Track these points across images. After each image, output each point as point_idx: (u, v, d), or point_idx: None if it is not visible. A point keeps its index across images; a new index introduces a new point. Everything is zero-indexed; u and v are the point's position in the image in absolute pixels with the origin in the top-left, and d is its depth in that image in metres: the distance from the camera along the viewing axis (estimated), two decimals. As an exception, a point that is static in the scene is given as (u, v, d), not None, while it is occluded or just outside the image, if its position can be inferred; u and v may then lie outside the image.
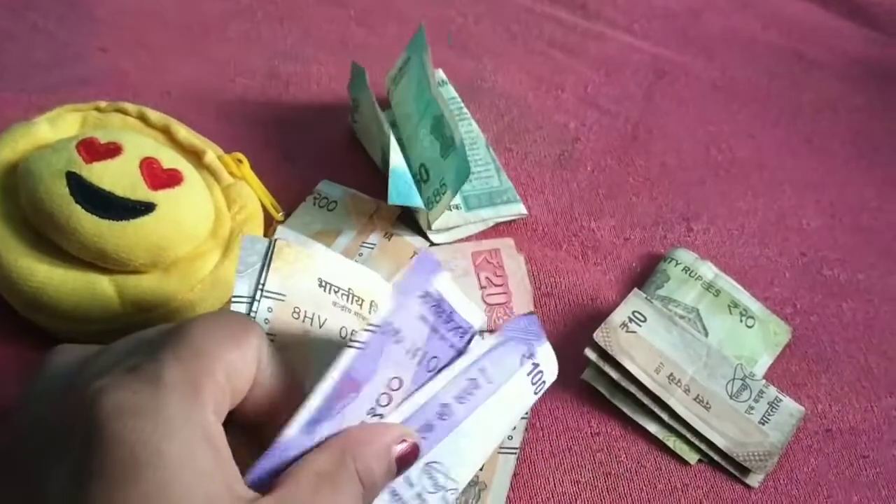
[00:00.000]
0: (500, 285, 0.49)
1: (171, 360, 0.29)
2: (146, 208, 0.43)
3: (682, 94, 0.64)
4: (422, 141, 0.51)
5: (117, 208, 0.42)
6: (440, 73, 0.60)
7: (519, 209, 0.54)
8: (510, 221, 0.54)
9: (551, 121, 0.60)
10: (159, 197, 0.43)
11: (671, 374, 0.46)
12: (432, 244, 0.52)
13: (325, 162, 0.55)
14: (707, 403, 0.45)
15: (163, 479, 0.27)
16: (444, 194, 0.50)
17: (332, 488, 0.30)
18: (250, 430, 0.32)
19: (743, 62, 0.67)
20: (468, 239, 0.52)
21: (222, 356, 0.30)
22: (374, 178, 0.54)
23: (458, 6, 0.68)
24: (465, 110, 0.58)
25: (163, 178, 0.44)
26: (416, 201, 0.50)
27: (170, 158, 0.45)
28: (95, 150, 0.44)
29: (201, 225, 0.45)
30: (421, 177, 0.51)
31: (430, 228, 0.51)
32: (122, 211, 0.43)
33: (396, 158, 0.50)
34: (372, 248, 0.50)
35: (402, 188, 0.49)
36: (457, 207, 0.53)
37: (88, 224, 0.42)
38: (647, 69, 0.65)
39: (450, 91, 0.59)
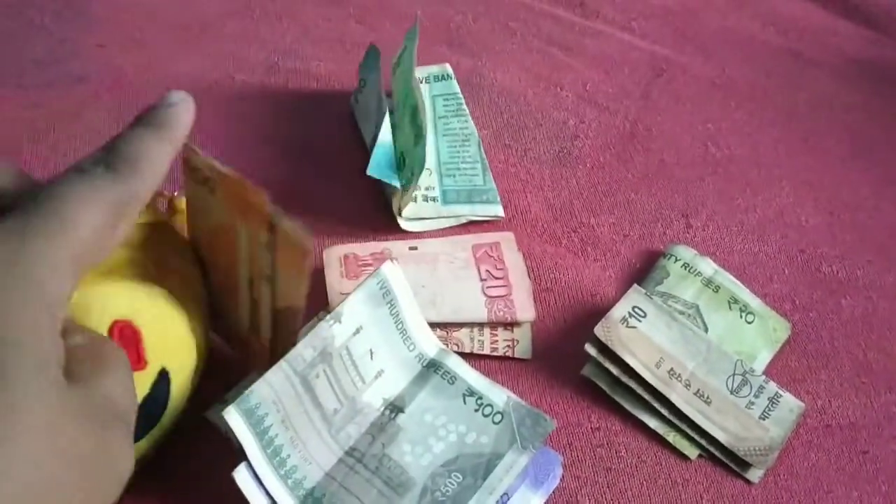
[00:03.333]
0: (501, 278, 0.49)
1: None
2: None
3: (681, 92, 0.64)
4: (403, 129, 0.52)
5: None
6: (447, 67, 0.60)
7: (496, 210, 0.54)
8: (499, 220, 0.54)
9: (550, 118, 0.60)
10: None
11: (671, 369, 0.45)
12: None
13: (324, 158, 0.55)
14: (707, 398, 0.45)
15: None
16: (412, 182, 0.50)
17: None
18: None
19: (740, 61, 0.68)
20: (466, 231, 0.53)
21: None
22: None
23: (457, 4, 0.68)
24: (465, 107, 0.58)
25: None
26: (392, 179, 0.50)
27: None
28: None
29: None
30: (399, 164, 0.51)
31: (399, 214, 0.52)
32: None
33: (386, 135, 0.51)
34: None
35: (383, 163, 0.50)
36: (433, 200, 0.53)
37: None
38: (646, 67, 0.65)
39: (453, 86, 0.59)
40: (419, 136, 0.50)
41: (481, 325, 0.48)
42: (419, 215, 0.52)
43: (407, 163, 0.51)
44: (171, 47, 0.61)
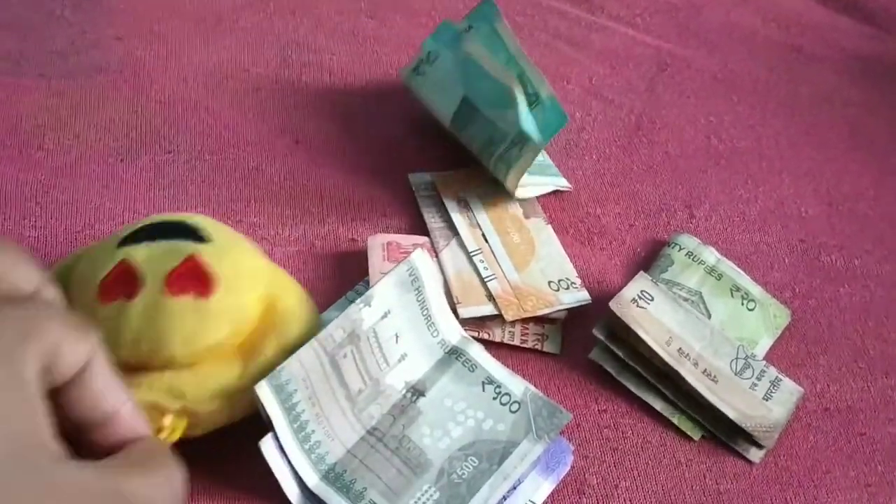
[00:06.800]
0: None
1: (6, 306, 0.29)
2: None
3: (684, 85, 0.66)
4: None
5: None
6: None
7: (565, 182, 0.57)
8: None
9: (557, 111, 0.62)
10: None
11: (680, 349, 0.47)
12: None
13: (337, 148, 0.57)
14: (715, 378, 0.47)
15: None
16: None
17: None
18: None
19: (743, 55, 0.69)
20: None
21: (57, 327, 0.30)
22: (382, 163, 0.56)
23: (466, -1, 0.69)
24: None
25: None
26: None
27: None
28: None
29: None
30: (493, 137, 0.53)
31: (514, 188, 0.53)
32: None
33: (522, 102, 0.52)
34: None
35: (534, 125, 0.52)
36: None
37: None
38: (650, 62, 0.67)
39: None
40: (534, 102, 0.52)
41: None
42: (523, 183, 0.54)
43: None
44: (187, 39, 0.62)
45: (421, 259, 0.44)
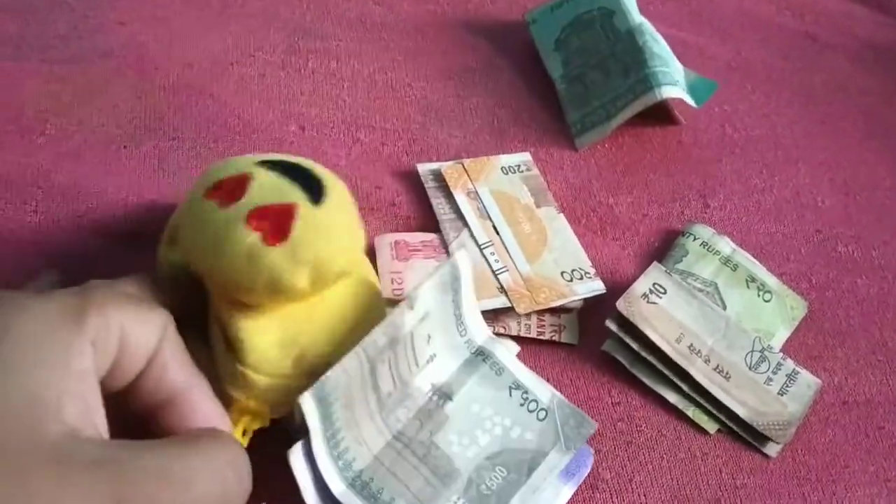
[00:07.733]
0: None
1: (67, 292, 0.30)
2: None
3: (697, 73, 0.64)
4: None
5: None
6: None
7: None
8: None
9: (568, 98, 0.61)
10: None
11: (691, 345, 0.46)
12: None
13: (344, 136, 0.56)
14: (727, 374, 0.46)
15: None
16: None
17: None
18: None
19: (756, 44, 0.68)
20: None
21: (119, 313, 0.30)
22: (390, 152, 0.55)
23: (475, -15, 0.68)
24: None
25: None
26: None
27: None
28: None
29: None
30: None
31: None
32: None
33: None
34: None
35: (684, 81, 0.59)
36: None
37: None
38: (663, 49, 0.66)
39: None
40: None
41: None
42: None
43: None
44: (192, 24, 0.61)
45: (464, 260, 0.43)
